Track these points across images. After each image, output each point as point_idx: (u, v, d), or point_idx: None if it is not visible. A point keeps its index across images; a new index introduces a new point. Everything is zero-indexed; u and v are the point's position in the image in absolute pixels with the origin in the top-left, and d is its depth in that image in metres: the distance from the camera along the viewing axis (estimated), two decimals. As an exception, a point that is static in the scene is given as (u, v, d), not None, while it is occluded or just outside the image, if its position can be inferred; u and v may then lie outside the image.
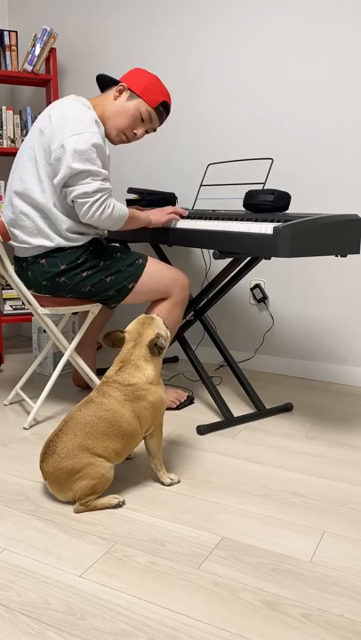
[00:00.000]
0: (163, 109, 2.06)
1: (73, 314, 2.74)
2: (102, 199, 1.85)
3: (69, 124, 1.84)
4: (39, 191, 1.91)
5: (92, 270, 1.98)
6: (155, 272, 2.06)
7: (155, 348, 1.57)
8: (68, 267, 1.96)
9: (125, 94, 2.01)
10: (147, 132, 2.09)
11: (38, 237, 1.95)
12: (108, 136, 2.06)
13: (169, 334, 1.66)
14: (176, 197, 2.60)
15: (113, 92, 2.03)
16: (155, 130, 2.11)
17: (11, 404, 2.29)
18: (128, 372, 1.57)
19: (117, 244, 2.11)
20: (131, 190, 2.51)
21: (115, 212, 1.89)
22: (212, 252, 2.51)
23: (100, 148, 1.86)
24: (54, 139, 1.85)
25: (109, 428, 1.50)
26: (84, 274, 1.98)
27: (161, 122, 2.10)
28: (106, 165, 1.93)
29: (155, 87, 2.02)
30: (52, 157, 1.86)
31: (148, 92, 2.01)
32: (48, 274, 1.97)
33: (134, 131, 2.05)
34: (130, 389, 1.54)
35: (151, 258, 2.09)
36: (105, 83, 2.10)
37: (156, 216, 2.09)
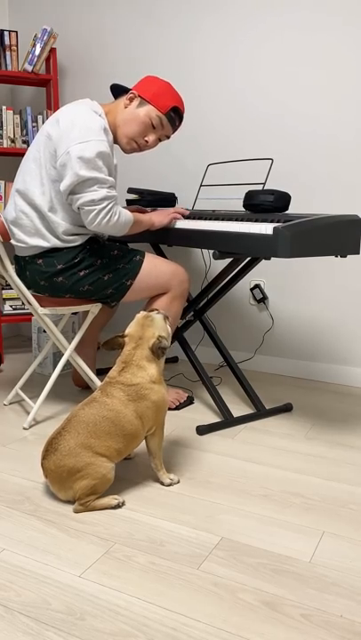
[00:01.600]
0: (174, 115, 2.01)
1: (73, 314, 2.74)
2: (109, 207, 1.85)
3: (76, 131, 1.82)
4: (39, 193, 1.91)
5: (90, 269, 1.98)
6: (152, 268, 2.05)
7: (158, 350, 1.57)
8: (65, 266, 1.96)
9: (136, 101, 1.99)
10: (159, 139, 2.06)
11: (35, 237, 1.95)
12: (119, 144, 2.04)
13: (170, 330, 1.66)
14: (176, 197, 2.60)
15: (124, 100, 2.01)
16: (168, 137, 2.07)
17: (11, 403, 2.29)
18: (131, 372, 1.57)
19: (114, 242, 2.10)
20: (131, 190, 2.51)
21: (121, 219, 1.89)
22: (212, 252, 2.51)
23: (106, 157, 1.84)
24: (61, 144, 1.84)
25: (112, 427, 1.50)
26: (82, 273, 1.97)
27: (174, 128, 2.05)
28: (112, 174, 1.91)
29: (165, 93, 1.98)
30: (58, 162, 1.85)
31: (158, 98, 1.97)
32: (45, 274, 1.97)
33: (145, 138, 2.02)
34: (133, 389, 1.55)
35: (149, 254, 2.09)
36: (118, 92, 2.08)
37: (159, 218, 2.09)
